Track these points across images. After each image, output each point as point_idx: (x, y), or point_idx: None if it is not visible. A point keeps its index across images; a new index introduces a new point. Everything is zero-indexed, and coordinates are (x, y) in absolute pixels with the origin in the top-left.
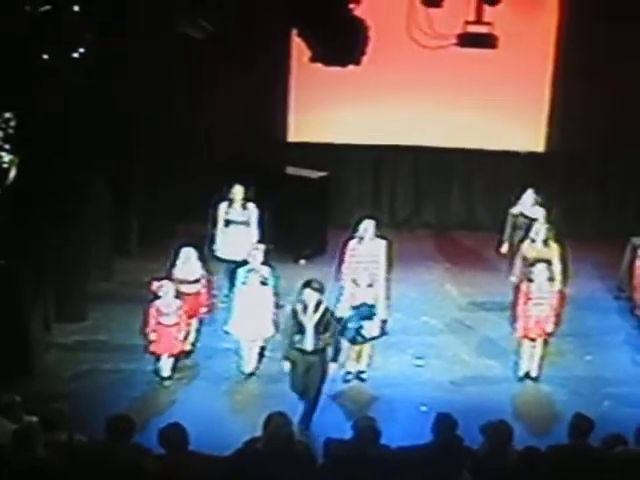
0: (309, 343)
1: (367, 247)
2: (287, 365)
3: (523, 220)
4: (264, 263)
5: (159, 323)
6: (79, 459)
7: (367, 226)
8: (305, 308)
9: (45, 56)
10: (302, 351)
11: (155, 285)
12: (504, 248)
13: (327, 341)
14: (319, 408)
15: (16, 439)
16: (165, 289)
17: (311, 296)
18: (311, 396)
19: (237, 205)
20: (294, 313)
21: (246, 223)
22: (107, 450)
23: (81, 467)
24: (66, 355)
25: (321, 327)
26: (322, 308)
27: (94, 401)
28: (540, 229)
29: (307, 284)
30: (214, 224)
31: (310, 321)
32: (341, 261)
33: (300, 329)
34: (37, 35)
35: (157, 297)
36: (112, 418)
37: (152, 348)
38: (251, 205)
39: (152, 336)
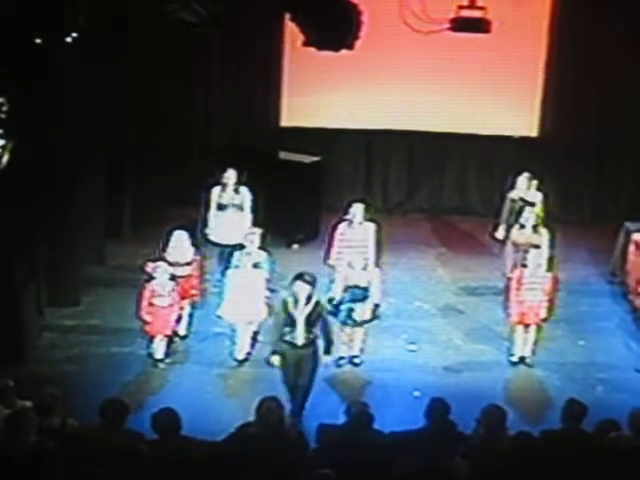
0: (300, 337)
1: (356, 231)
2: (276, 359)
3: (521, 205)
4: (260, 248)
5: (153, 304)
6: (72, 444)
7: (356, 210)
8: (296, 301)
9: (38, 40)
10: (292, 345)
11: (151, 266)
12: (500, 233)
13: (317, 334)
14: (312, 393)
15: (9, 424)
16: (161, 270)
17: (302, 289)
18: (302, 389)
19: (230, 189)
20: (284, 305)
21: (239, 207)
22: (100, 435)
23: (74, 452)
24: (59, 339)
25: (312, 320)
26: (313, 301)
27: (87, 385)
28: (529, 215)
29: (298, 277)
30: (207, 208)
31: (301, 314)
32: (329, 244)
33: (291, 322)
34: (30, 19)
35: (152, 278)
36: (106, 402)
37: (146, 329)
38: (244, 189)
39: (147, 317)
